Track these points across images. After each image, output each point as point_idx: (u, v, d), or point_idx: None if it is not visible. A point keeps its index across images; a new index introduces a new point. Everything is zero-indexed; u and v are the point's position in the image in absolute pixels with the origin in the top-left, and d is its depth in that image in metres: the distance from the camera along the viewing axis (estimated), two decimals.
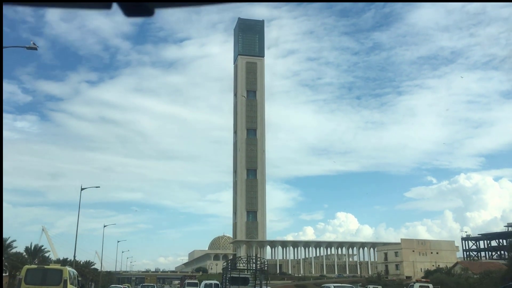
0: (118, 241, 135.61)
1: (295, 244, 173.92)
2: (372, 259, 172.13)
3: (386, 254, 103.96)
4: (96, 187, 72.77)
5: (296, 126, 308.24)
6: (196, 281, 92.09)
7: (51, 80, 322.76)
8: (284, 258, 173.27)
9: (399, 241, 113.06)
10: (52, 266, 28.55)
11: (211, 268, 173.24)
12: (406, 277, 75.66)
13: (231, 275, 34.81)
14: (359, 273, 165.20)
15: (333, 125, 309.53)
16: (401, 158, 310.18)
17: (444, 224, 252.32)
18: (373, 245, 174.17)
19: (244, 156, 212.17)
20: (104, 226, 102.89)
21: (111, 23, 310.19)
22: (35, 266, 28.66)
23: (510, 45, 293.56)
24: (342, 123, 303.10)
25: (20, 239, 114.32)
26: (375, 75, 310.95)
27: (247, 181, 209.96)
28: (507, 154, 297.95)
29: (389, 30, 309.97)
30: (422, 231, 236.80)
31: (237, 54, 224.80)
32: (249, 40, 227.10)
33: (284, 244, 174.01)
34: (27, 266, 26.24)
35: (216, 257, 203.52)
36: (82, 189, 63.64)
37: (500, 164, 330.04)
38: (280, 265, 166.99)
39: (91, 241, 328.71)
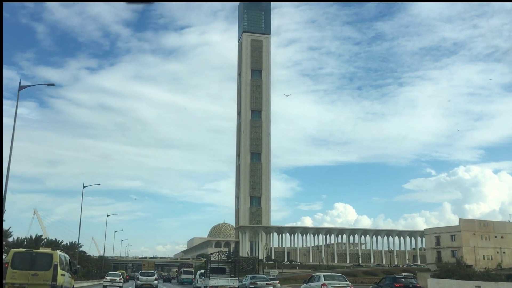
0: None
1: (305, 230, 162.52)
2: (386, 247, 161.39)
3: (438, 238, 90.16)
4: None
5: (296, 116, 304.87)
6: (191, 269, 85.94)
7: (50, 67, 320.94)
8: (292, 246, 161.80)
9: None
10: (41, 250, 25.69)
11: (214, 256, 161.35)
12: (467, 266, 63.36)
13: (211, 266, 40.76)
14: (372, 261, 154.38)
15: (333, 115, 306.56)
16: (401, 149, 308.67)
17: (442, 216, 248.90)
18: (387, 232, 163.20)
19: (248, 139, 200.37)
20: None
21: (111, 9, 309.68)
22: (23, 250, 25.81)
23: None
24: (342, 113, 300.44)
25: (18, 225, 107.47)
26: (377, 66, 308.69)
27: (251, 165, 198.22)
28: (507, 147, 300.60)
29: (392, 20, 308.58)
30: (421, 223, 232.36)
31: (242, 31, 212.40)
32: (255, 16, 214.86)
33: (293, 230, 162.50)
34: (14, 250, 24.50)
35: (218, 244, 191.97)
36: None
37: (500, 157, 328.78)
38: (288, 253, 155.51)
39: (89, 228, 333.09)
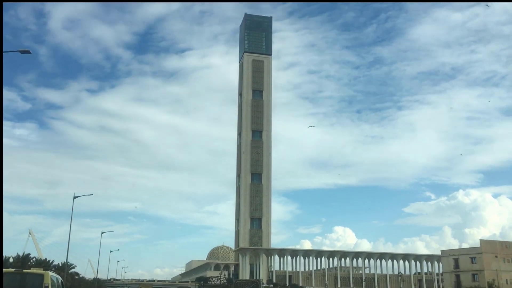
0: (110, 251, 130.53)
1: (306, 253, 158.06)
2: (390, 271, 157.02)
3: (456, 260, 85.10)
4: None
5: (295, 138, 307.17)
6: None
7: (51, 88, 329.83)
8: (294, 269, 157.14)
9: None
10: (32, 270, 24.31)
11: (214, 280, 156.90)
12: None
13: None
14: (376, 286, 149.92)
15: (333, 138, 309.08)
16: (400, 173, 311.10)
17: (442, 240, 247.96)
18: (392, 256, 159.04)
19: (248, 159, 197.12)
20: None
21: (113, 32, 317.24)
22: (12, 270, 24.53)
23: (511, 62, 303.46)
24: (342, 136, 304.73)
25: (14, 246, 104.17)
26: (376, 90, 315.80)
27: (251, 186, 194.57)
28: (506, 171, 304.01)
29: (391, 45, 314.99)
30: (421, 247, 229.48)
31: (243, 51, 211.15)
32: (256, 37, 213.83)
33: (294, 253, 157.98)
34: (3, 270, 22.82)
35: (217, 267, 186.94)
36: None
37: (499, 181, 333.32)
38: (290, 276, 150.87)
39: (86, 251, 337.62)
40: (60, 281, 24.99)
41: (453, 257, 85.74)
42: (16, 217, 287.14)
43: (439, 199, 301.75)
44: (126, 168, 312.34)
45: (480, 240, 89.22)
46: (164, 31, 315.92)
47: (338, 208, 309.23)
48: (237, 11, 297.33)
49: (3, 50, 32.63)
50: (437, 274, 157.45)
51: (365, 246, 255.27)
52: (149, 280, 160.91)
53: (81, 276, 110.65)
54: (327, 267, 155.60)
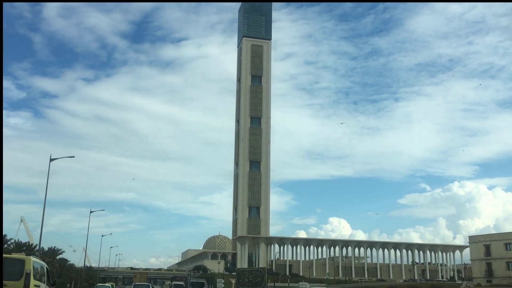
0: (102, 235, 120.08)
1: (307, 242, 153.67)
2: (393, 261, 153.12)
3: (488, 247, 78.73)
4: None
5: (291, 129, 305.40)
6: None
7: (46, 77, 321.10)
8: (294, 258, 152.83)
9: None
10: (12, 255, 20.75)
11: (212, 270, 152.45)
12: None
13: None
14: (379, 275, 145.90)
15: (329, 129, 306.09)
16: (396, 164, 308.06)
17: (437, 231, 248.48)
18: (395, 245, 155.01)
19: (247, 147, 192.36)
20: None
21: (109, 20, 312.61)
22: None
23: (509, 54, 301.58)
24: (338, 128, 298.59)
25: (8, 236, 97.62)
26: (373, 81, 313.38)
27: (249, 174, 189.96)
28: (501, 163, 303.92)
29: (388, 36, 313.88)
30: (416, 238, 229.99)
31: (242, 36, 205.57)
32: (255, 21, 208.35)
33: (295, 242, 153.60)
34: None
35: (214, 256, 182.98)
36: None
37: (494, 173, 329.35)
38: (290, 265, 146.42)
39: (81, 240, 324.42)
40: (45, 268, 21.91)
41: (484, 244, 79.74)
42: (10, 206, 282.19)
43: (434, 191, 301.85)
44: (121, 158, 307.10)
45: None
46: (161, 20, 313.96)
47: (333, 199, 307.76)
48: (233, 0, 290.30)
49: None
50: (441, 265, 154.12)
51: (360, 236, 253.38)
52: (145, 269, 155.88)
53: (69, 262, 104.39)
54: (328, 256, 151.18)
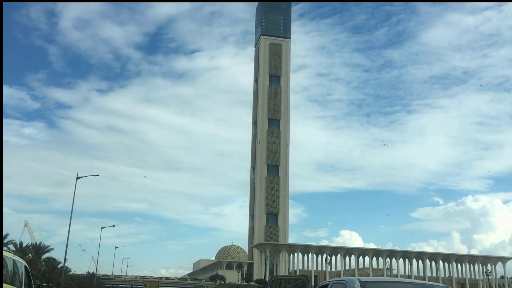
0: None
1: (334, 251, 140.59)
2: (429, 274, 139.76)
3: None
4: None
5: (303, 141, 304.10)
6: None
7: (61, 88, 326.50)
8: (320, 269, 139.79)
9: None
10: None
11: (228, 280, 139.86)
12: None
13: None
14: None
15: (341, 141, 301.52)
16: (408, 177, 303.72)
17: (450, 246, 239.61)
18: (431, 256, 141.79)
19: (264, 150, 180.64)
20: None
21: (123, 32, 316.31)
22: None
23: None
24: (350, 140, 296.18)
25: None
26: (386, 93, 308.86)
27: (267, 179, 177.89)
28: None
29: (401, 48, 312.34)
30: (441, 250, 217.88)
31: (260, 34, 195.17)
32: (274, 19, 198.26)
33: (320, 250, 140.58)
34: None
35: (229, 265, 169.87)
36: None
37: (509, 187, 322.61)
38: (316, 276, 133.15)
39: (92, 250, 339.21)
40: (23, 267, 16.78)
41: None
42: (23, 216, 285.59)
43: (447, 205, 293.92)
44: (133, 168, 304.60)
45: None
46: (174, 32, 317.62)
47: (345, 211, 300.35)
48: (247, 12, 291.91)
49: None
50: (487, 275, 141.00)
51: None
52: (155, 278, 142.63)
53: (58, 261, 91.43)
54: (356, 267, 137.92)
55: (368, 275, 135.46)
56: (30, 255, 65.53)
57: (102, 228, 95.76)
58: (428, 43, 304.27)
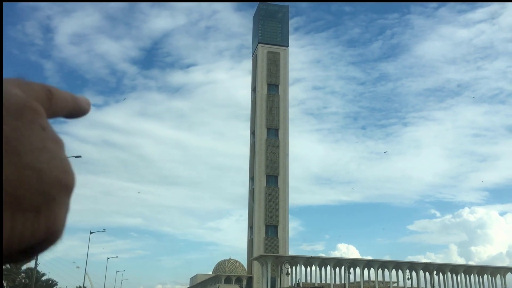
0: (108, 257, 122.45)
1: (339, 262, 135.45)
2: (437, 286, 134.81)
3: None
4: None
5: (299, 154, 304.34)
6: None
7: None
8: (323, 281, 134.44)
9: None
10: None
11: None
12: None
13: None
14: None
15: (337, 154, 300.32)
16: (405, 190, 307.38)
17: (448, 258, 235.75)
18: (439, 267, 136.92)
19: (263, 160, 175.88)
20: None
21: (119, 47, 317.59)
22: None
23: None
24: (347, 153, 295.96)
25: None
26: (381, 106, 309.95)
27: (266, 189, 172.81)
28: None
29: (396, 61, 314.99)
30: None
31: (257, 42, 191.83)
32: (271, 27, 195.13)
33: (324, 262, 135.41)
34: None
35: (228, 279, 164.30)
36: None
37: (505, 199, 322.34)
38: None
39: (88, 266, 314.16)
40: None
41: None
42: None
43: (444, 217, 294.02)
44: (129, 183, 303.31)
45: None
46: (170, 47, 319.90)
47: (341, 225, 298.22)
48: (242, 26, 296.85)
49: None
50: None
51: None
52: None
53: (41, 272, 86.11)
54: (362, 279, 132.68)
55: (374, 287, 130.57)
56: (8, 265, 59.59)
57: (90, 233, 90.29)
58: (422, 56, 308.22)
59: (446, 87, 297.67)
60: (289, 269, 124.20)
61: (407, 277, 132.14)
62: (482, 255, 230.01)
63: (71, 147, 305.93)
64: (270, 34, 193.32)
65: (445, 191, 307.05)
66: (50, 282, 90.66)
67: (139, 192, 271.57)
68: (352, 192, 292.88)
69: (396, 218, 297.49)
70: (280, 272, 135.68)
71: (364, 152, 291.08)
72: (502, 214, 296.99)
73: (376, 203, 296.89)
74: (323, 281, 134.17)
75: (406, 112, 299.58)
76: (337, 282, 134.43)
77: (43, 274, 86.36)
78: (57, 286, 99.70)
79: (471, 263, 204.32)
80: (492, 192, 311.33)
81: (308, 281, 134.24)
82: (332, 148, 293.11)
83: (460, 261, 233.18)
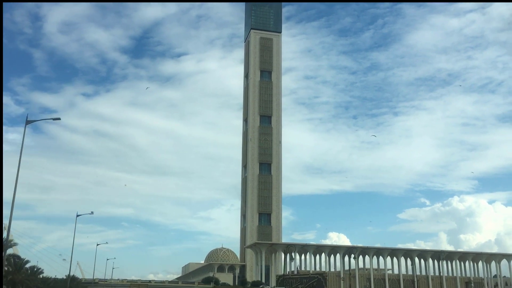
0: (97, 244, 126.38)
1: (334, 250, 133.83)
2: (431, 273, 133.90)
3: None
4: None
5: (291, 144, 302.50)
6: None
7: (46, 92, 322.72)
8: (318, 269, 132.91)
9: None
10: None
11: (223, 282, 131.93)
12: None
13: None
14: None
15: (329, 144, 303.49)
16: (395, 179, 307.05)
17: (437, 246, 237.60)
18: (434, 254, 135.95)
19: (256, 147, 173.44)
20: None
21: (109, 36, 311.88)
22: None
23: (507, 69, 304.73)
24: (338, 142, 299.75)
25: None
26: (372, 95, 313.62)
27: (259, 177, 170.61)
28: (501, 177, 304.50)
29: (387, 50, 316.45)
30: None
31: (250, 28, 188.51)
32: (264, 13, 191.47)
33: (319, 249, 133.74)
34: None
35: (221, 268, 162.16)
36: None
37: (494, 188, 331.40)
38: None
39: (78, 256, 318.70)
40: None
41: None
42: (6, 222, 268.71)
43: (434, 205, 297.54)
44: (120, 173, 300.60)
45: None
46: (161, 36, 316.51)
47: (332, 214, 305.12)
48: (234, 15, 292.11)
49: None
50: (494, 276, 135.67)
51: None
52: (143, 281, 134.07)
53: (25, 260, 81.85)
54: (357, 266, 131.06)
55: (369, 275, 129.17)
56: None
57: (77, 215, 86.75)
58: (414, 46, 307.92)
59: (437, 77, 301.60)
60: (294, 255, 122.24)
61: (412, 264, 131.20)
62: (471, 243, 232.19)
63: (61, 137, 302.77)
64: (262, 20, 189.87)
65: (435, 180, 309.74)
66: (35, 269, 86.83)
67: (125, 185, 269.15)
68: (343, 182, 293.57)
69: (386, 207, 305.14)
70: (275, 260, 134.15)
71: (355, 142, 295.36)
72: (490, 202, 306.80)
73: (367, 192, 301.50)
74: (317, 269, 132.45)
75: (397, 102, 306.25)
76: (331, 269, 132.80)
77: (27, 261, 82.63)
78: (44, 275, 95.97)
79: (464, 247, 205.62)
80: (481, 181, 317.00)
81: (303, 268, 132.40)
82: (323, 138, 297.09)
83: (450, 249, 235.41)
